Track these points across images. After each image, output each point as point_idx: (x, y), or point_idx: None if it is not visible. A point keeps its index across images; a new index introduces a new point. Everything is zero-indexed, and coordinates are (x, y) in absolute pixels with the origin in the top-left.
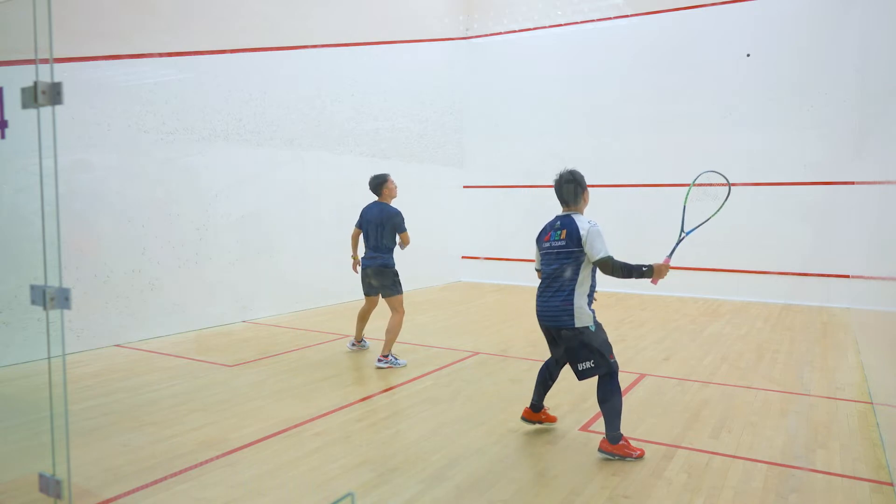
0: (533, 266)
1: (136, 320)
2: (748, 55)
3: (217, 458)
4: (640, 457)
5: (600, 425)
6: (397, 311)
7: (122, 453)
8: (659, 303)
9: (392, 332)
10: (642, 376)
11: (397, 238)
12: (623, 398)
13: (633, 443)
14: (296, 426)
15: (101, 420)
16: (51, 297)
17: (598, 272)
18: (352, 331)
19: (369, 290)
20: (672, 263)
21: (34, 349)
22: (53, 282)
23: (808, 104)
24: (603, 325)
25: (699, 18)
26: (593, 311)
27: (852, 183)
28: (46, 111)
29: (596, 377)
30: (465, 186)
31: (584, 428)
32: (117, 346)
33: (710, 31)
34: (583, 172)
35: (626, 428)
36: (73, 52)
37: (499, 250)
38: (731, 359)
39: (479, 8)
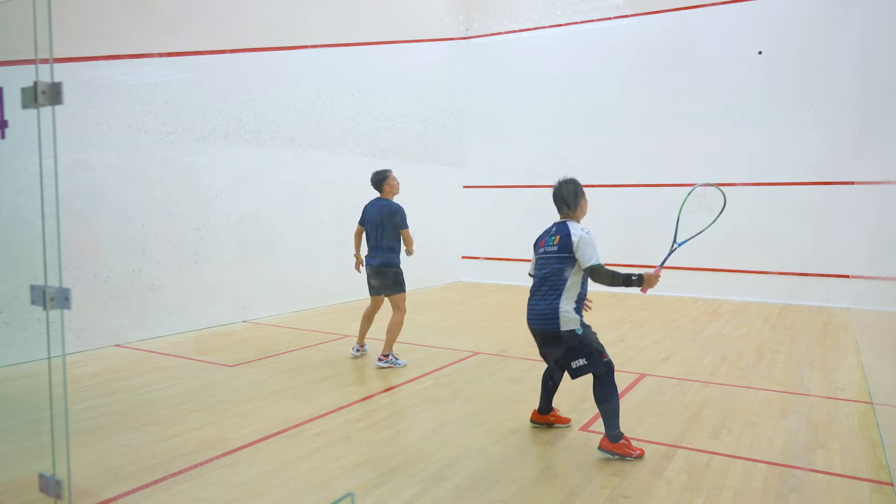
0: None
1: (136, 320)
2: (760, 52)
3: (217, 458)
4: (640, 456)
5: (600, 425)
6: (399, 309)
7: (122, 453)
8: (659, 303)
9: (393, 331)
10: (642, 376)
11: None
12: (623, 398)
13: (633, 443)
14: (296, 426)
15: (101, 420)
16: (51, 297)
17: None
18: (352, 331)
19: (372, 290)
20: (672, 263)
21: (34, 349)
22: (53, 282)
23: (808, 104)
24: (603, 325)
25: (699, 18)
26: (580, 316)
27: (852, 183)
28: (46, 111)
29: (592, 376)
30: (465, 186)
31: (584, 428)
32: (117, 346)
33: (710, 31)
34: (583, 173)
35: (626, 428)
36: (73, 52)
37: (499, 250)
38: (731, 359)
39: (479, 8)
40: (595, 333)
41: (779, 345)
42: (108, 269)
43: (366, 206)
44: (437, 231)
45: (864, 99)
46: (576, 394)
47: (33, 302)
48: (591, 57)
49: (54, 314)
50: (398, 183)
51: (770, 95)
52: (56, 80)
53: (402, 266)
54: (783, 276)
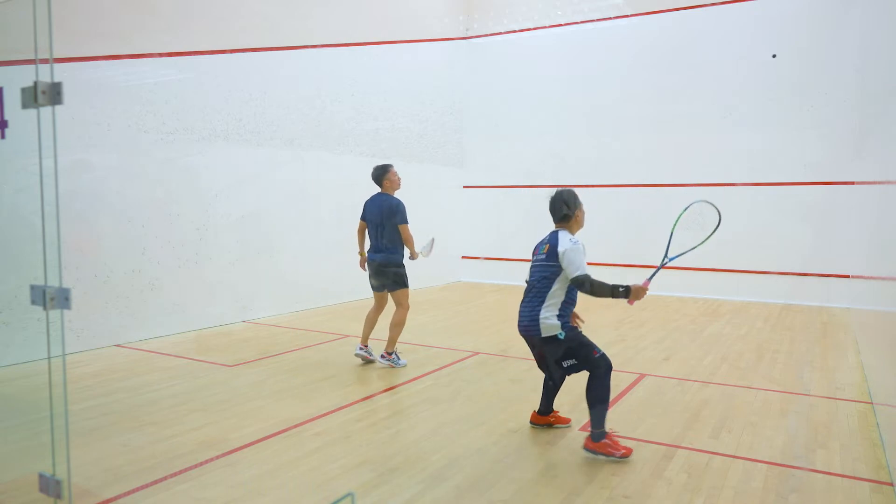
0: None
1: (136, 320)
2: (774, 55)
3: (217, 458)
4: (626, 455)
5: None
6: (402, 305)
7: (122, 453)
8: (659, 303)
9: (396, 328)
10: (642, 376)
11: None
12: (623, 398)
13: (632, 443)
14: (296, 426)
15: (101, 420)
16: (51, 297)
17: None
18: (352, 330)
19: (374, 287)
20: (672, 263)
21: (34, 349)
22: (53, 282)
23: (808, 104)
24: (603, 325)
25: (699, 18)
26: (563, 322)
27: (852, 183)
28: (46, 111)
29: (587, 374)
30: (465, 186)
31: (584, 428)
32: (117, 346)
33: (710, 31)
34: (583, 173)
35: (625, 428)
36: (73, 52)
37: (499, 250)
38: (731, 359)
39: (479, 8)
40: (581, 334)
41: (779, 345)
42: (108, 269)
43: (366, 202)
44: (437, 231)
45: (864, 99)
46: (576, 394)
47: (33, 302)
48: (591, 57)
49: (54, 314)
50: (399, 178)
51: (770, 95)
52: (56, 80)
53: (404, 263)
54: (783, 276)
